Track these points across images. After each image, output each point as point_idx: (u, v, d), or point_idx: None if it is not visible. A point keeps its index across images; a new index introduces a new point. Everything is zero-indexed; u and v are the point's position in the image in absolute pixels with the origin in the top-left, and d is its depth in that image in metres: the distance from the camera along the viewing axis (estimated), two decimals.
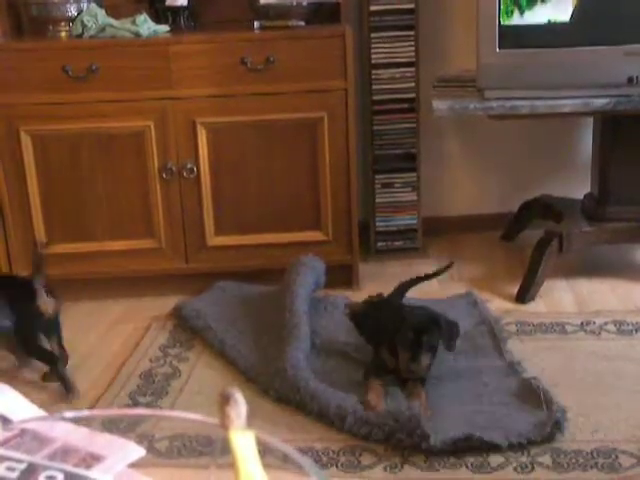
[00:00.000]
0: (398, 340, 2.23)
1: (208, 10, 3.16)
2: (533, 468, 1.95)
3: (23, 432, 0.49)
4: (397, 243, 3.33)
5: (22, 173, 2.87)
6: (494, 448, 1.99)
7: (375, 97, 3.20)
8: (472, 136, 3.48)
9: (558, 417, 2.06)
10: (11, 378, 2.39)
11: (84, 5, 2.93)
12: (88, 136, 2.85)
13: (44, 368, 2.42)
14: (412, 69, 3.17)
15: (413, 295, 2.66)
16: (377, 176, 3.28)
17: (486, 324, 2.63)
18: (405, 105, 3.21)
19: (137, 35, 2.82)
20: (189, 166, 2.87)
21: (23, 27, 3.14)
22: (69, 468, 0.48)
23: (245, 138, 2.87)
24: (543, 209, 3.28)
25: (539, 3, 2.69)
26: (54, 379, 2.39)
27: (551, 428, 2.03)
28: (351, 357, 2.45)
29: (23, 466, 0.47)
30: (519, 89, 2.72)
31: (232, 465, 0.43)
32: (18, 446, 0.48)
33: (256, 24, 2.91)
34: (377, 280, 3.06)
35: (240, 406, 0.43)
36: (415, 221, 3.32)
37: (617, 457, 1.97)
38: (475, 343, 2.52)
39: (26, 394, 0.75)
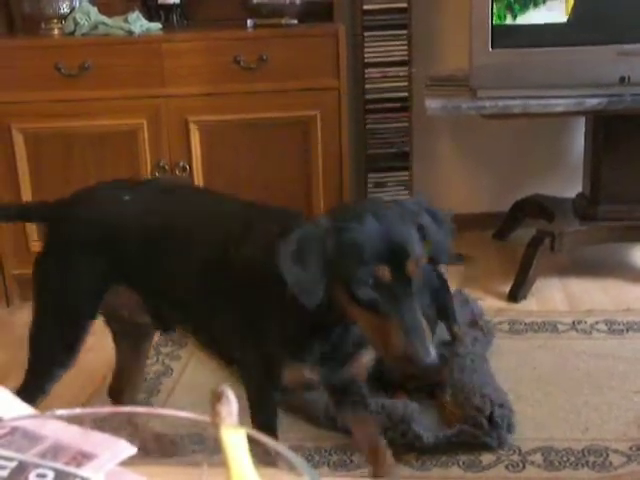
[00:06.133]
0: None
1: (200, 8, 3.15)
2: (524, 466, 1.96)
3: (14, 430, 0.49)
4: None
5: (14, 171, 2.86)
6: (485, 446, 2.00)
7: (368, 96, 3.19)
8: (465, 135, 3.48)
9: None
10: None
11: (76, 2, 2.92)
12: (81, 134, 2.84)
13: None
14: (405, 68, 3.17)
15: None
16: (370, 175, 3.28)
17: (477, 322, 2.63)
18: (398, 104, 3.21)
19: (129, 33, 2.82)
20: (182, 164, 2.87)
21: (15, 24, 3.13)
22: (60, 466, 0.48)
23: (238, 136, 2.87)
24: (535, 208, 3.29)
25: (531, 8, 2.69)
26: None
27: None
28: None
29: (13, 464, 0.47)
30: (512, 89, 2.72)
31: (224, 463, 0.42)
32: (8, 444, 0.48)
33: (249, 22, 2.91)
34: None
35: (232, 404, 0.43)
36: None
37: (608, 456, 1.98)
38: None
39: None
